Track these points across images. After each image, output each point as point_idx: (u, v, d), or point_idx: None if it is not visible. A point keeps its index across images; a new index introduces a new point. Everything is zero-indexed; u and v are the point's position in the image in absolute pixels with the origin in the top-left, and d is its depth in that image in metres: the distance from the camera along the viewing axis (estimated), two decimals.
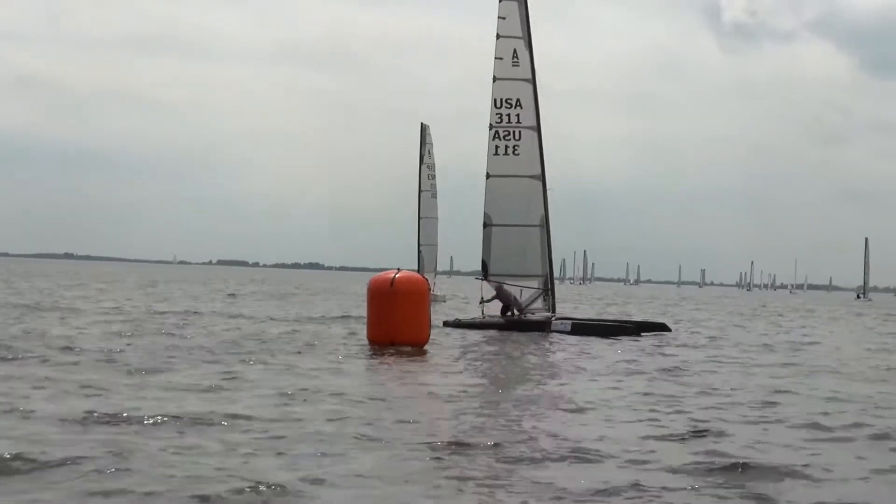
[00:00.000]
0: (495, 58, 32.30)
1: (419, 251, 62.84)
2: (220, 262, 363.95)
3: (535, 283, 32.44)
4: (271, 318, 34.82)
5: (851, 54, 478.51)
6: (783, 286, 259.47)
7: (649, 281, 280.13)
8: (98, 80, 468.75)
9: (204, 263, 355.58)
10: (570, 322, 31.41)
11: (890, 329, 47.17)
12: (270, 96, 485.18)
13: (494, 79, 32.36)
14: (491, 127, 32.40)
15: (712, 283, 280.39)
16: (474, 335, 29.09)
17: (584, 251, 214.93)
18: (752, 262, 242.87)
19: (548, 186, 32.55)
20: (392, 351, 22.23)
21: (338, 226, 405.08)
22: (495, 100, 32.33)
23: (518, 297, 32.35)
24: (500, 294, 32.64)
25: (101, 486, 8.96)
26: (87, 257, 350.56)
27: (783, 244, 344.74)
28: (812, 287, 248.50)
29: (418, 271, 59.82)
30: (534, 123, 32.36)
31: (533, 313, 32.19)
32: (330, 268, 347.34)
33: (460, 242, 62.55)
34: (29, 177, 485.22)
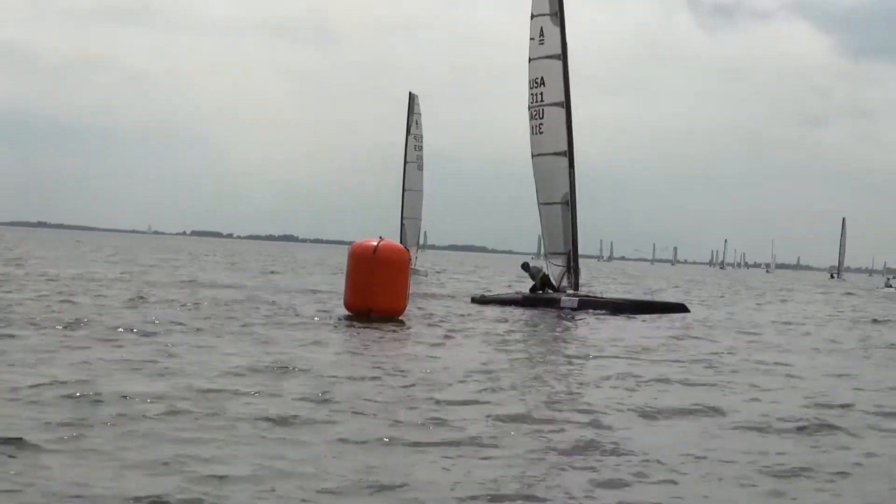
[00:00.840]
0: (529, 38, 32.16)
1: (402, 224, 60.45)
2: (193, 233, 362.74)
3: (560, 262, 32.26)
4: None
5: (830, 36, 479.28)
6: (756, 265, 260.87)
7: (622, 258, 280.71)
8: (74, 49, 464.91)
9: (178, 234, 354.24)
10: (577, 299, 30.99)
11: None
12: (247, 69, 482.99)
13: (529, 60, 32.17)
14: (529, 108, 32.21)
15: (685, 262, 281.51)
16: (459, 308, 29.32)
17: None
18: (726, 241, 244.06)
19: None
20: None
21: (312, 199, 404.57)
22: (530, 81, 32.16)
23: (556, 275, 32.40)
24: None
25: None
26: (61, 226, 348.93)
27: (754, 223, 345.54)
28: (781, 266, 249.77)
29: (401, 244, 61.04)
30: (560, 99, 31.96)
31: (564, 291, 31.83)
32: (304, 240, 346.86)
33: (434, 216, 61.65)
34: (2, 145, 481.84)
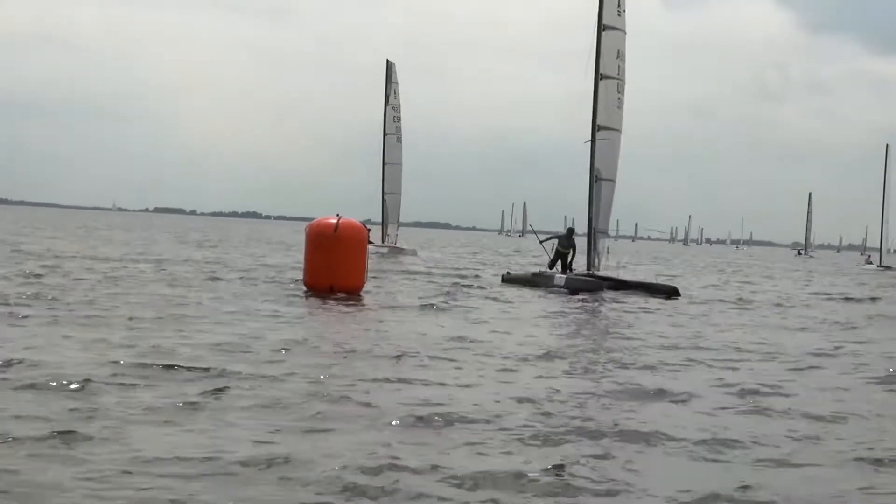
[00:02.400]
0: (603, 5, 31.50)
1: (383, 199, 58.37)
2: (156, 210, 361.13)
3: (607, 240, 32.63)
4: None
5: (789, 13, 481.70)
6: (720, 241, 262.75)
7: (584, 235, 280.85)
8: (30, 25, 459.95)
9: (141, 210, 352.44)
10: (564, 277, 30.73)
11: None
12: (204, 43, 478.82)
13: (604, 27, 31.45)
14: (604, 77, 31.26)
15: (648, 238, 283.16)
16: (425, 286, 29.56)
17: (524, 203, 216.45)
18: (690, 217, 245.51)
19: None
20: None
21: (275, 175, 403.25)
22: (605, 50, 31.38)
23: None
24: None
25: None
26: (22, 202, 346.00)
27: (715, 199, 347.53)
28: (736, 242, 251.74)
29: (382, 222, 58.40)
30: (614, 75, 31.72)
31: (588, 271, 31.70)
32: (268, 217, 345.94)
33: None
34: None
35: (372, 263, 29.22)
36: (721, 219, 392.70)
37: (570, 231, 33.46)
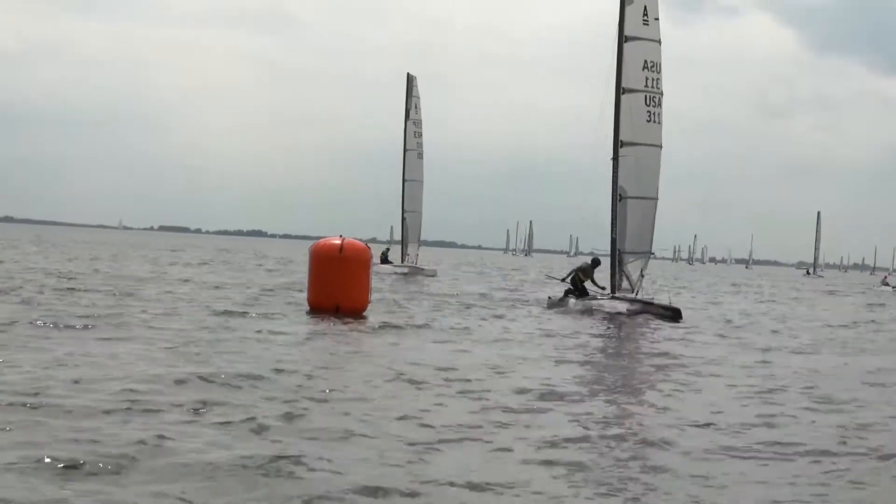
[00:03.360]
0: (622, 15, 30.33)
1: (403, 218, 56.59)
2: (161, 228, 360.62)
3: (639, 263, 30.96)
4: None
5: (792, 30, 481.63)
6: (723, 260, 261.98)
7: (592, 252, 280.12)
8: (31, 40, 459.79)
9: (146, 229, 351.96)
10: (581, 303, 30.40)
11: None
12: (210, 59, 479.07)
13: (626, 38, 30.30)
14: (626, 91, 30.13)
15: (654, 257, 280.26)
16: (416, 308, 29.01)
17: (530, 222, 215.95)
18: (696, 236, 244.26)
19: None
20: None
21: (280, 193, 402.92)
22: (645, 61, 30.23)
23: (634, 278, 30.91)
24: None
25: None
26: (27, 220, 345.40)
27: (718, 218, 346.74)
28: (740, 261, 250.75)
29: (402, 241, 57.11)
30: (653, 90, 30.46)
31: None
32: (273, 235, 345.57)
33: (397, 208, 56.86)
34: None
35: (389, 284, 28.28)
36: (724, 237, 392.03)
37: (596, 262, 32.18)
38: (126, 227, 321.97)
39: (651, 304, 29.74)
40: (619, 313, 28.72)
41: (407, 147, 56.49)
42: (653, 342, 22.47)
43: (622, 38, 30.45)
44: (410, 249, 56.69)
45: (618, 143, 30.46)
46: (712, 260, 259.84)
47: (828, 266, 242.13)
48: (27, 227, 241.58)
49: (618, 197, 30.52)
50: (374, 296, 25.47)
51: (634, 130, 30.36)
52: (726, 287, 66.21)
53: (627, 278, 30.75)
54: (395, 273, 51.95)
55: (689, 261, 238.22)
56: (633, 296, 30.26)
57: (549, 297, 32.66)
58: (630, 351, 21.19)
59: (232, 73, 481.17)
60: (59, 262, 45.97)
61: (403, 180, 56.58)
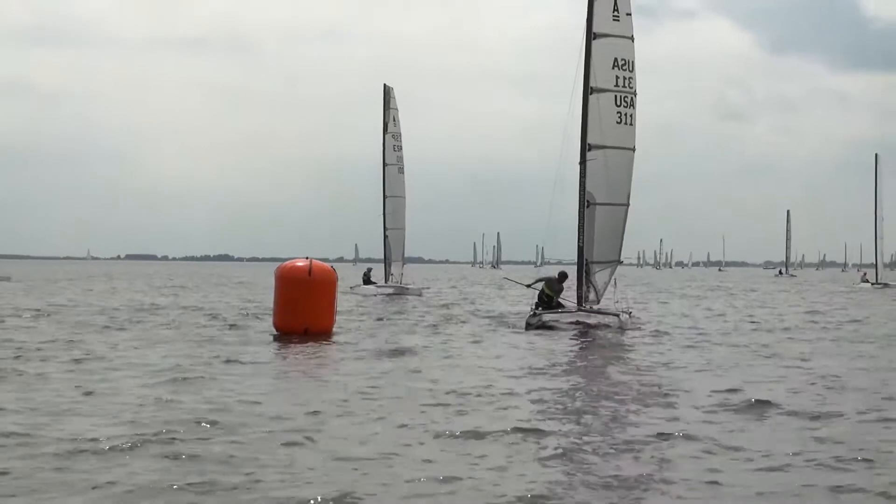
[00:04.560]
0: (589, 12, 28.58)
1: (385, 236, 53.55)
2: (128, 257, 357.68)
3: (606, 272, 29.19)
4: None
5: (748, 33, 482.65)
6: (693, 264, 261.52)
7: (560, 262, 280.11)
8: None
9: (112, 259, 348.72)
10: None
11: None
12: (167, 86, 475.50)
13: (594, 35, 28.44)
14: (595, 90, 28.25)
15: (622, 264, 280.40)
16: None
17: (497, 234, 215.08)
18: (661, 240, 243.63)
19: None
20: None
21: (245, 216, 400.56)
22: (615, 59, 28.34)
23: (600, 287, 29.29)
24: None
25: None
26: None
27: (683, 220, 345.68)
28: (713, 263, 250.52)
29: (384, 260, 54.12)
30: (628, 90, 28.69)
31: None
32: (240, 259, 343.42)
33: (363, 227, 55.64)
34: None
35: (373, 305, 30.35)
36: (688, 241, 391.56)
37: (563, 275, 29.68)
38: (94, 258, 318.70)
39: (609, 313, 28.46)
40: (589, 325, 27.53)
41: (386, 162, 53.80)
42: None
43: (590, 35, 28.56)
44: (394, 269, 53.94)
45: (585, 147, 28.63)
46: (679, 264, 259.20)
47: (797, 265, 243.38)
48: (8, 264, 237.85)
49: (585, 203, 28.71)
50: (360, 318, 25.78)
51: (604, 132, 28.49)
52: (718, 293, 63.68)
53: (594, 288, 28.97)
54: (379, 294, 49.82)
55: (656, 266, 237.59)
56: (597, 307, 28.84)
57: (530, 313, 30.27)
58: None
59: (189, 100, 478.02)
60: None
61: (384, 196, 53.85)
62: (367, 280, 54.51)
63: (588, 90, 28.57)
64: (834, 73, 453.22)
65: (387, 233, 53.88)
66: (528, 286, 30.80)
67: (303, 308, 23.65)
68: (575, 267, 29.24)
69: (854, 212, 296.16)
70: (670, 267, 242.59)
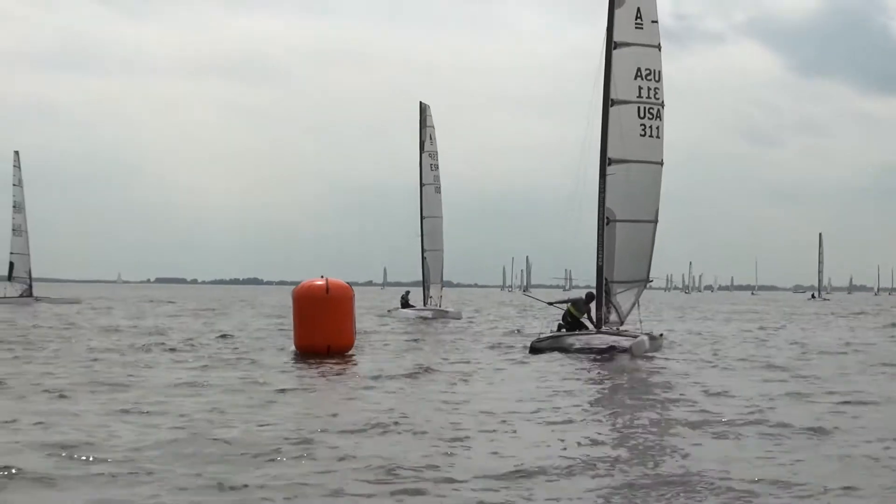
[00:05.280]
0: (614, 20, 27.23)
1: (423, 258, 52.49)
2: (158, 280, 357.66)
3: (631, 293, 27.83)
4: None
5: (776, 56, 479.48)
6: (725, 287, 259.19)
7: (588, 286, 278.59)
8: (19, 95, 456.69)
9: (142, 282, 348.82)
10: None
11: None
12: (198, 111, 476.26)
13: (615, 45, 27.18)
14: (616, 102, 26.98)
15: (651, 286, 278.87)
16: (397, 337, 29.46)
17: (527, 257, 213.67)
18: (691, 264, 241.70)
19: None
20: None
21: (274, 240, 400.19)
22: (638, 69, 27.07)
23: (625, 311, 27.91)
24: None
25: None
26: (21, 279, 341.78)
27: (712, 244, 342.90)
28: (740, 288, 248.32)
29: (423, 283, 53.19)
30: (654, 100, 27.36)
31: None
32: (269, 282, 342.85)
33: (391, 250, 54.98)
34: None
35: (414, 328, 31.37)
36: (716, 264, 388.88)
37: (591, 296, 28.07)
38: (125, 281, 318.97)
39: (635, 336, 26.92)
40: (605, 349, 26.10)
41: (423, 182, 52.65)
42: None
43: (610, 45, 27.27)
44: (433, 291, 52.78)
45: (605, 161, 27.28)
46: (707, 288, 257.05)
47: (828, 289, 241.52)
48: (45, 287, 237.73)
49: (604, 220, 27.37)
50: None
51: (626, 146, 27.14)
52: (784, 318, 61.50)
53: (616, 310, 27.57)
54: (419, 317, 48.77)
55: (686, 289, 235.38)
56: (617, 329, 27.38)
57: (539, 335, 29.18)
58: None
59: (216, 123, 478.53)
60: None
61: (421, 217, 52.78)
62: (405, 303, 53.48)
63: (608, 102, 27.28)
64: (864, 95, 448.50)
65: (425, 254, 52.77)
66: (551, 304, 29.72)
67: (323, 326, 23.81)
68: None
69: (884, 235, 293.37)
70: (699, 290, 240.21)
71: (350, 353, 24.44)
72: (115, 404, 15.15)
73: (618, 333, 27.03)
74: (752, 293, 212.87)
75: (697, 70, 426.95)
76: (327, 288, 23.85)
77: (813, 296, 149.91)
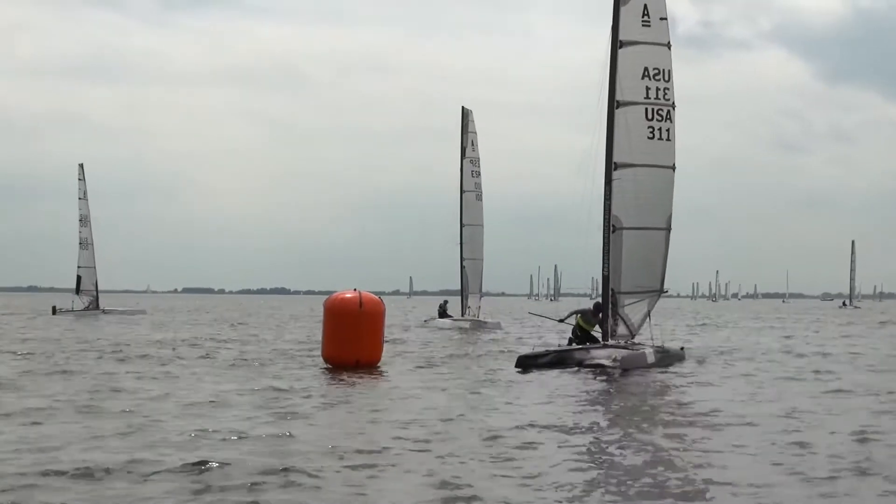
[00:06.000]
0: (619, 18, 25.78)
1: (462, 267, 50.91)
2: (185, 290, 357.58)
3: (643, 304, 26.39)
4: None
5: (804, 63, 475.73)
6: (750, 295, 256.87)
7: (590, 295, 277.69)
8: (44, 106, 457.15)
9: (170, 292, 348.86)
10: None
11: None
12: (225, 120, 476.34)
13: (621, 44, 25.62)
14: (622, 104, 25.50)
15: (671, 295, 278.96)
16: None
17: (555, 266, 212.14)
18: (718, 272, 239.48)
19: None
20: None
21: (301, 249, 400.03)
22: (645, 68, 25.57)
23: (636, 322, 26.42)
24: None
25: None
26: (52, 289, 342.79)
27: (737, 253, 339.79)
28: (768, 295, 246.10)
29: (461, 293, 51.76)
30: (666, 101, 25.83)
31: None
32: (296, 292, 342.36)
33: (418, 259, 53.75)
34: None
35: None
36: (743, 272, 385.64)
37: (598, 307, 26.69)
38: (153, 291, 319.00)
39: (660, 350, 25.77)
40: (606, 365, 24.26)
41: (464, 188, 51.14)
42: None
43: (616, 44, 25.76)
44: (471, 301, 51.30)
45: (611, 166, 25.79)
46: (734, 296, 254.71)
47: (859, 296, 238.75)
48: (52, 296, 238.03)
49: (610, 228, 25.85)
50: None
51: (633, 149, 25.64)
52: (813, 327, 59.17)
53: (625, 322, 26.04)
54: (456, 327, 47.02)
55: (713, 298, 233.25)
56: (626, 342, 25.84)
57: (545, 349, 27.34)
58: None
59: (242, 133, 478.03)
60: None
61: (461, 225, 51.26)
62: (442, 313, 51.97)
63: (614, 104, 25.77)
64: (891, 102, 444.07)
65: (464, 263, 51.28)
66: (561, 320, 28.05)
67: (355, 341, 23.81)
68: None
69: None
70: (726, 299, 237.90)
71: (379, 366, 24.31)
72: None
73: (625, 347, 25.51)
74: (784, 301, 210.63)
75: (724, 77, 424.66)
76: (360, 302, 23.74)
77: (844, 303, 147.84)
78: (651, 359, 24.92)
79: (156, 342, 35.19)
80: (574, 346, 26.47)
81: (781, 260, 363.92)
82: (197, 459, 11.39)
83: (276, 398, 17.88)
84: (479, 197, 51.07)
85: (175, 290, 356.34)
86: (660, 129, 25.63)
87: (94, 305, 69.16)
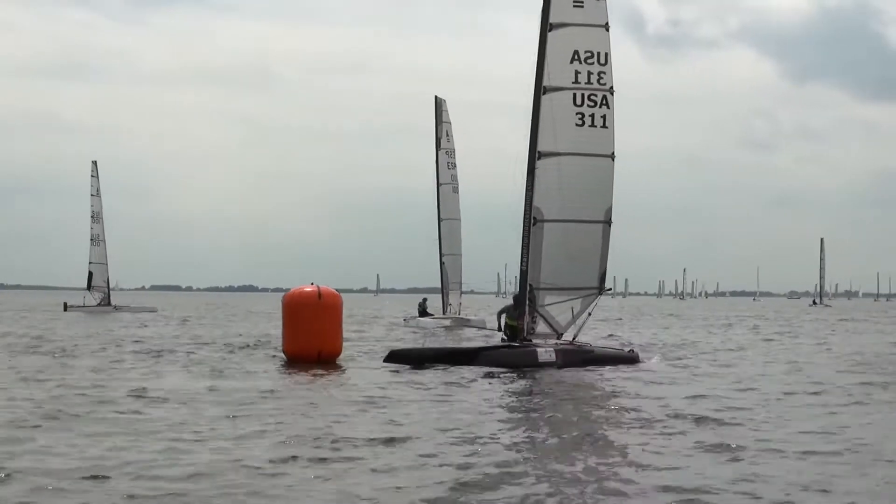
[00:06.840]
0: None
1: (441, 262, 48.74)
2: (153, 288, 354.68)
3: (582, 301, 24.75)
4: None
5: (772, 62, 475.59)
6: (718, 293, 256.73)
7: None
8: (14, 105, 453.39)
9: (137, 289, 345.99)
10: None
11: None
12: (191, 118, 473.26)
13: (551, 27, 23.87)
14: (549, 90, 23.84)
15: (638, 293, 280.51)
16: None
17: (506, 265, 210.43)
18: (685, 270, 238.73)
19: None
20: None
21: (268, 246, 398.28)
22: (577, 52, 23.76)
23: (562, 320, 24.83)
24: None
25: None
26: (18, 286, 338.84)
27: (704, 251, 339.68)
28: (735, 294, 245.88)
29: (441, 289, 49.69)
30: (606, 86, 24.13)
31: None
32: (264, 290, 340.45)
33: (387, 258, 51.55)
34: None
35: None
36: (711, 271, 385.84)
37: (517, 300, 25.35)
38: (121, 289, 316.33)
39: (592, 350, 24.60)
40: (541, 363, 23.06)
41: (440, 181, 48.89)
42: None
43: (545, 27, 23.99)
44: (452, 298, 49.15)
45: (534, 155, 24.01)
46: (700, 294, 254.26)
47: (830, 295, 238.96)
48: (25, 294, 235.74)
49: (531, 220, 24.14)
50: None
51: (557, 137, 23.90)
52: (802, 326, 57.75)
53: (546, 320, 24.33)
54: (439, 326, 44.77)
55: (680, 296, 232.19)
56: (555, 342, 24.34)
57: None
58: None
59: (214, 132, 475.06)
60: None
61: (439, 219, 49.06)
62: (422, 312, 50.03)
63: (540, 90, 24.04)
64: (860, 102, 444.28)
65: (443, 259, 49.04)
66: (500, 329, 26.31)
67: (315, 333, 23.78)
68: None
69: (883, 242, 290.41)
70: (693, 297, 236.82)
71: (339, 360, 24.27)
72: None
73: (519, 346, 24.14)
74: (755, 299, 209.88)
75: (694, 76, 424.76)
76: (319, 294, 23.80)
77: (814, 302, 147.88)
78: (545, 357, 23.35)
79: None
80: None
81: (750, 258, 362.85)
82: None
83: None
84: (455, 189, 49.13)
85: (143, 288, 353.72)
86: (592, 116, 23.90)
87: (106, 301, 70.20)
